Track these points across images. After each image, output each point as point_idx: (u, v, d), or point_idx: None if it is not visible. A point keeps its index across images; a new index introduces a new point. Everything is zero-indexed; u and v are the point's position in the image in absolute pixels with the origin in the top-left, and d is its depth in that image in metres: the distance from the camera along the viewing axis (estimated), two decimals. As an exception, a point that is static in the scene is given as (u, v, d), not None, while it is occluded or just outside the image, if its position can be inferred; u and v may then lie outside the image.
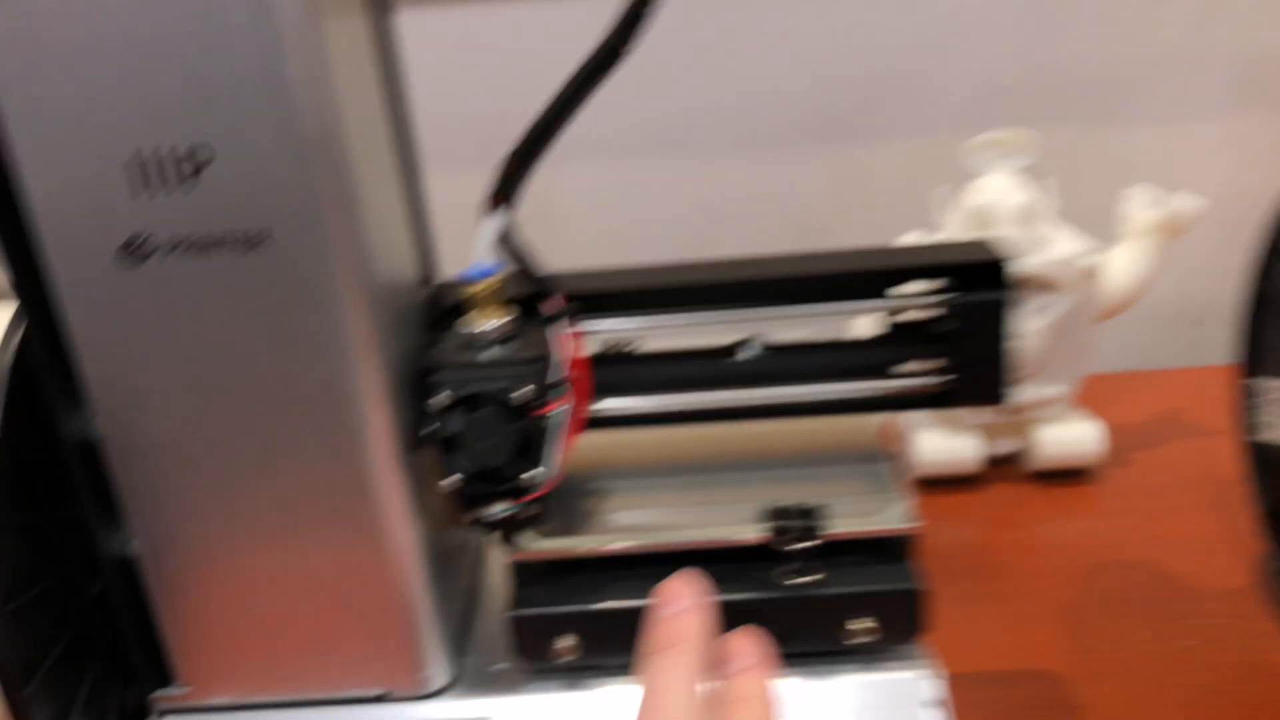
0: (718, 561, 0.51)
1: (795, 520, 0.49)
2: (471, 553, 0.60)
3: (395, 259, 0.48)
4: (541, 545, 0.51)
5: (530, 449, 0.46)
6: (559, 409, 0.47)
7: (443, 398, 0.46)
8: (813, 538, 0.49)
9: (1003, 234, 0.74)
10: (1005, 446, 0.83)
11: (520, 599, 0.51)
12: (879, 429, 0.58)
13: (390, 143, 0.50)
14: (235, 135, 0.40)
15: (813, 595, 0.49)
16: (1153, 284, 0.78)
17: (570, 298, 0.50)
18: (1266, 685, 0.61)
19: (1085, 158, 0.97)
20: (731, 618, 0.49)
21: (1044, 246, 0.74)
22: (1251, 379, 0.66)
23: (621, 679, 0.51)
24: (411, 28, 0.53)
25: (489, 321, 0.48)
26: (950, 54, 0.96)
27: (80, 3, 0.39)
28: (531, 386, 0.46)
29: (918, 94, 0.97)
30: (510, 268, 0.48)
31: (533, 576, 0.52)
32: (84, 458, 0.46)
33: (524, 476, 0.46)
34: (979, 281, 0.51)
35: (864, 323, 0.78)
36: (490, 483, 0.47)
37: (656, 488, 0.55)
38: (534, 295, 0.49)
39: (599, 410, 0.54)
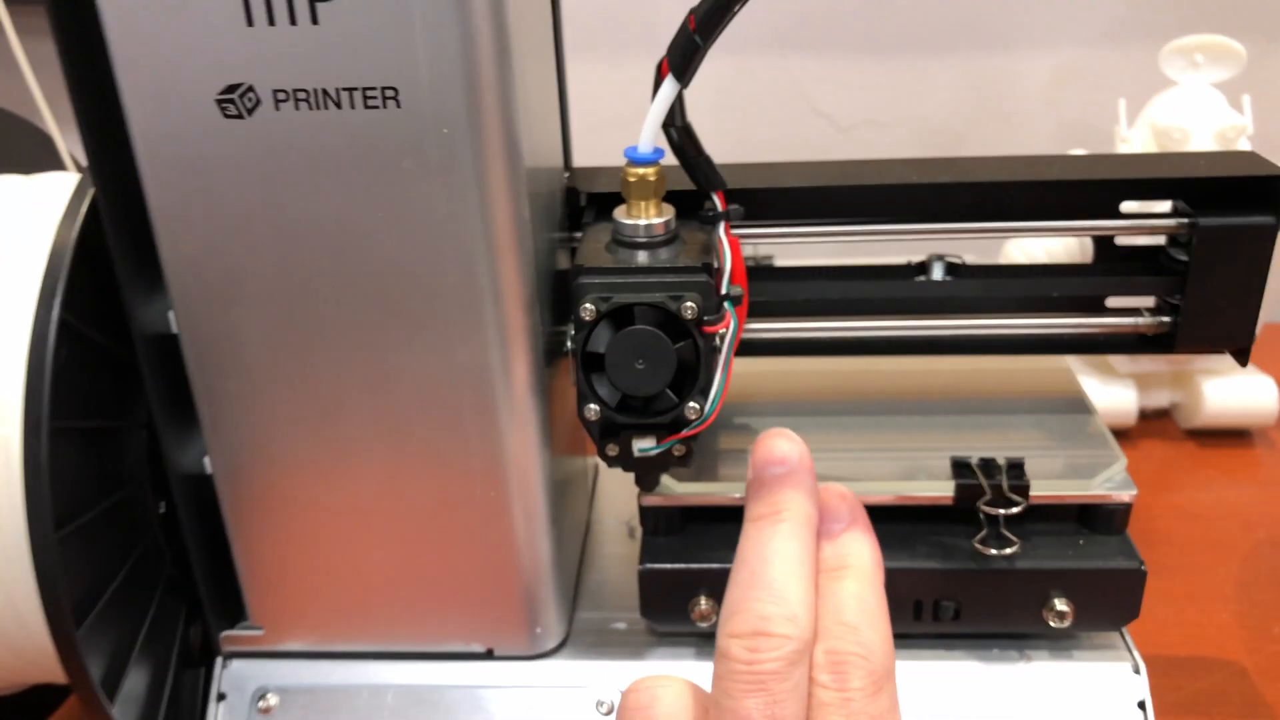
0: (887, 520, 0.43)
1: (997, 478, 0.41)
2: (588, 483, 0.52)
3: (544, 137, 0.40)
4: (681, 490, 0.43)
5: (688, 376, 0.38)
6: (726, 329, 0.39)
7: (589, 308, 0.37)
8: (1021, 500, 0.41)
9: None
10: (1158, 399, 0.74)
11: (651, 551, 0.43)
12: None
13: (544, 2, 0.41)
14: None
15: (1015, 569, 0.41)
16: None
17: (730, 196, 0.41)
18: None
19: (1267, 80, 0.87)
20: (907, 588, 0.42)
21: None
22: None
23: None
24: None
25: (644, 217, 0.40)
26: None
27: None
28: (697, 300, 0.37)
29: (1066, 1, 0.87)
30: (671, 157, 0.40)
31: (668, 525, 0.44)
32: (157, 354, 0.39)
33: (683, 408, 0.38)
34: (1235, 202, 0.42)
35: (1015, 250, 0.69)
36: (638, 413, 0.39)
37: (813, 428, 0.47)
38: (690, 193, 0.41)
39: (748, 333, 0.46)
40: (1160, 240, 0.45)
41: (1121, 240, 0.46)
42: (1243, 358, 0.45)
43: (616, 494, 0.53)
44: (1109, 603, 0.42)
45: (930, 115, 0.91)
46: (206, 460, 0.41)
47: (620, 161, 0.39)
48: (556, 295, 0.42)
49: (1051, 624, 0.42)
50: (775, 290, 0.47)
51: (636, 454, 0.39)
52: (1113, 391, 0.72)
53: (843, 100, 0.92)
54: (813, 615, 0.33)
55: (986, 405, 0.47)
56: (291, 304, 0.37)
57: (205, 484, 0.41)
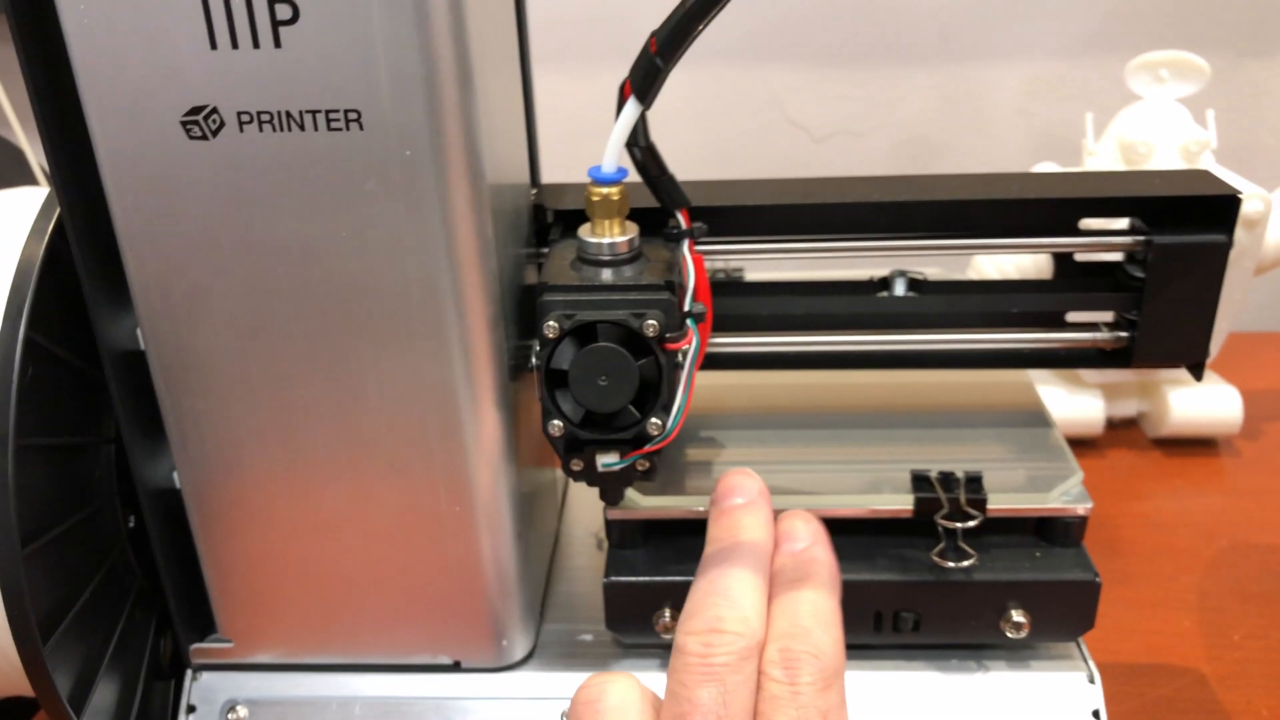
0: (849, 533, 0.43)
1: (955, 491, 0.42)
2: (557, 497, 0.53)
3: (507, 155, 0.40)
4: (646, 503, 0.44)
5: (651, 392, 0.39)
6: (688, 346, 0.39)
7: (552, 325, 0.38)
8: (977, 514, 0.41)
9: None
10: (1125, 409, 0.75)
11: (616, 564, 0.44)
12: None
13: (509, 17, 0.41)
14: (326, -14, 0.32)
15: (972, 581, 0.42)
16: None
17: (694, 214, 0.42)
18: None
19: (1236, 92, 0.88)
20: (868, 600, 0.42)
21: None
22: None
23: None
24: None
25: (608, 235, 0.40)
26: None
27: None
28: (659, 317, 0.38)
29: (1041, 10, 0.88)
30: (637, 174, 0.40)
31: (633, 538, 0.44)
32: (124, 371, 0.39)
33: (645, 424, 0.38)
34: (1191, 220, 0.43)
35: (985, 264, 0.70)
36: (602, 429, 0.39)
37: (777, 441, 0.48)
38: (654, 210, 0.41)
39: (713, 347, 0.47)
40: (1118, 257, 0.46)
41: (1081, 256, 0.47)
42: (1198, 372, 0.45)
43: (586, 506, 0.54)
44: (1064, 614, 0.42)
45: (905, 125, 0.92)
46: (175, 475, 0.41)
47: (593, 172, 0.40)
48: (523, 310, 0.42)
49: (1009, 634, 0.42)
50: (741, 305, 0.47)
51: (600, 469, 0.40)
52: (1080, 401, 0.72)
53: (818, 110, 0.92)
54: (763, 621, 0.35)
55: (948, 419, 0.48)
56: (257, 321, 0.37)
57: (174, 498, 0.42)
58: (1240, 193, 0.42)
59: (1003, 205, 0.44)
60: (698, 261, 0.41)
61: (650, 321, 0.38)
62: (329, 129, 0.34)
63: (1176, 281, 0.43)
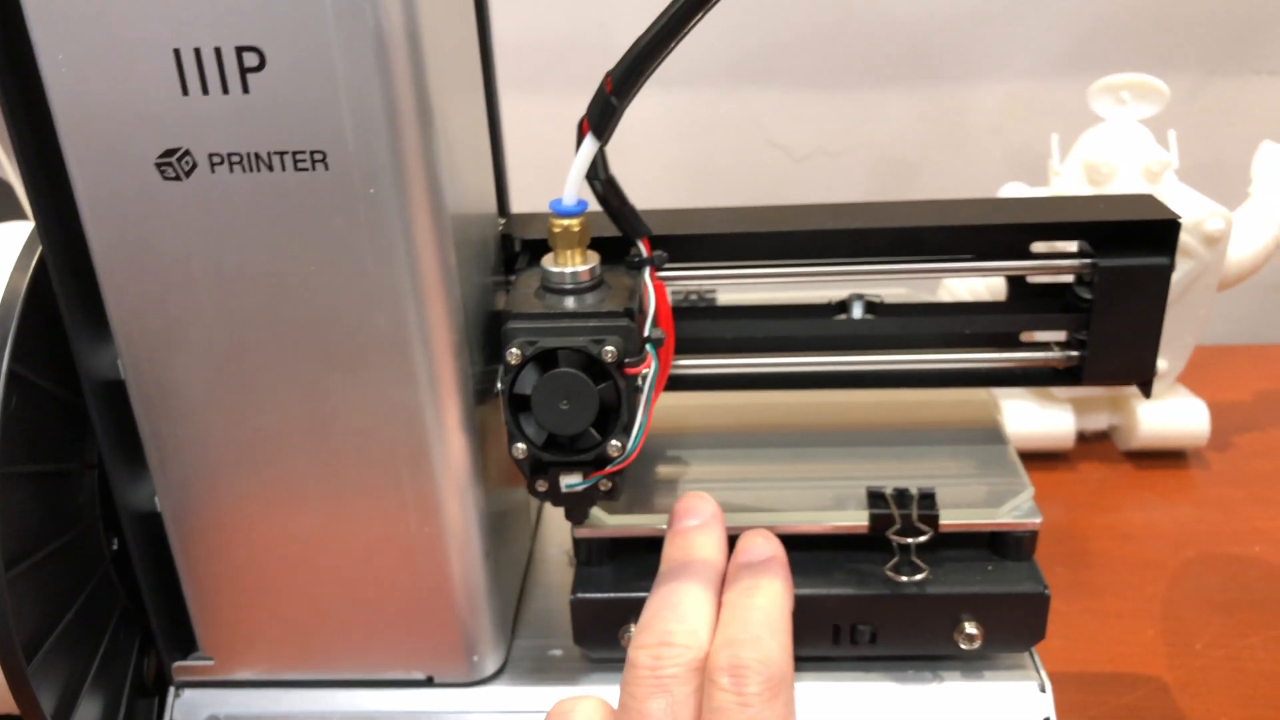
0: (808, 548, 0.45)
1: (908, 508, 0.43)
2: (530, 516, 0.54)
3: (471, 189, 0.42)
4: (611, 521, 0.45)
5: (611, 415, 0.40)
6: (647, 370, 0.41)
7: (515, 352, 0.40)
8: (929, 530, 0.43)
9: (1121, 191, 0.67)
10: (1096, 422, 0.76)
11: (583, 581, 0.45)
12: (993, 402, 0.52)
13: (471, 51, 0.43)
14: (290, 38, 0.34)
15: (925, 595, 0.43)
16: (1276, 253, 0.71)
17: (655, 242, 0.43)
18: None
19: (1204, 110, 0.89)
20: (826, 613, 0.44)
21: (1162, 207, 0.67)
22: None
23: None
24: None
25: (569, 265, 0.42)
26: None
27: None
28: (618, 343, 0.39)
29: (1016, 31, 0.89)
30: (597, 205, 0.42)
31: (599, 555, 0.46)
32: (105, 399, 0.41)
33: (606, 446, 0.40)
34: (1136, 243, 0.44)
35: (958, 285, 0.71)
36: (564, 451, 0.41)
37: (738, 460, 0.49)
38: (618, 238, 0.43)
39: (678, 369, 0.48)
40: (1069, 279, 0.47)
41: (1033, 279, 0.48)
42: (1146, 389, 0.47)
43: (560, 524, 0.55)
44: (1016, 625, 0.44)
45: (882, 145, 0.94)
46: (156, 499, 0.43)
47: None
48: (491, 336, 0.44)
49: (962, 646, 0.44)
50: (704, 328, 0.49)
51: (564, 489, 0.41)
52: (1050, 416, 0.74)
53: (797, 131, 0.94)
54: (712, 634, 0.36)
55: (905, 437, 0.49)
56: (232, 352, 0.39)
57: (155, 521, 0.43)
58: (1179, 217, 0.44)
59: (955, 231, 0.46)
60: (659, 288, 0.42)
61: (609, 348, 0.39)
62: (296, 169, 0.36)
63: (1122, 302, 0.45)
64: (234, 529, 0.42)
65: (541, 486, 0.42)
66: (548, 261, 0.42)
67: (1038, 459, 0.75)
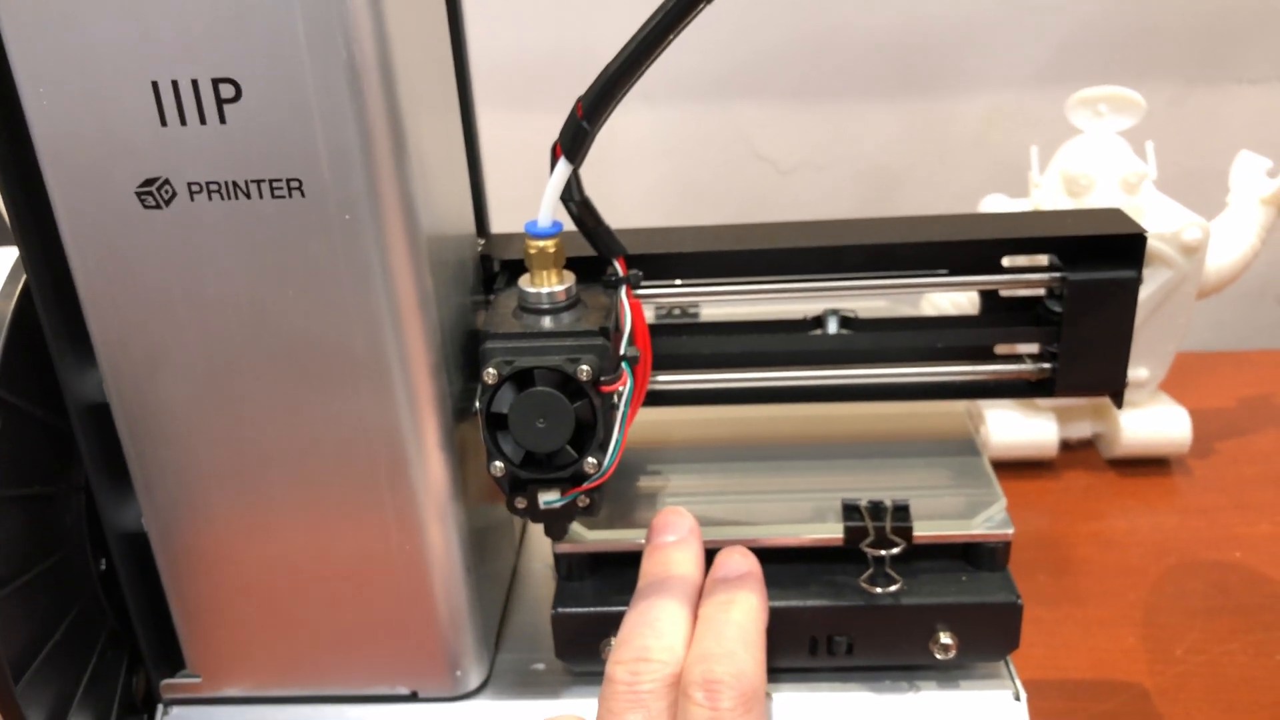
0: (786, 560, 0.46)
1: (882, 520, 0.44)
2: (514, 532, 0.55)
3: (447, 212, 0.43)
4: (591, 537, 0.46)
5: (587, 432, 0.41)
6: (623, 388, 0.42)
7: (491, 372, 0.40)
8: (902, 541, 0.44)
9: (1100, 202, 0.68)
10: (1080, 430, 0.77)
11: (564, 595, 0.46)
12: (968, 415, 0.52)
13: (446, 74, 0.44)
14: (265, 69, 0.35)
15: (900, 605, 0.44)
16: (1254, 261, 0.72)
17: (631, 261, 0.44)
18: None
19: (1185, 119, 0.90)
20: (803, 625, 0.44)
21: (1140, 217, 0.68)
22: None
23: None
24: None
25: (545, 285, 0.42)
26: (1034, 2, 0.89)
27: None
28: (592, 362, 0.40)
29: (998, 43, 0.90)
30: (573, 226, 0.43)
31: (579, 570, 0.47)
32: (91, 423, 0.42)
33: (582, 463, 0.41)
34: (1105, 257, 0.45)
35: (939, 299, 0.72)
36: (541, 468, 0.41)
37: (717, 473, 0.50)
38: (596, 258, 0.44)
39: (656, 385, 0.49)
40: (1040, 292, 0.48)
41: (1005, 293, 0.49)
42: (1118, 399, 0.48)
43: (544, 539, 0.56)
44: (990, 635, 0.44)
45: (867, 157, 0.95)
46: (142, 519, 0.43)
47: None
48: (470, 355, 0.44)
49: (938, 655, 0.44)
50: (682, 344, 0.50)
51: (542, 506, 0.42)
52: (1034, 424, 0.75)
53: (783, 144, 0.95)
54: (688, 649, 0.37)
55: (881, 449, 0.50)
56: (214, 375, 0.40)
57: (142, 542, 0.44)
58: (1145, 231, 0.44)
59: (928, 247, 0.47)
60: (635, 307, 0.43)
61: (584, 366, 0.40)
62: (273, 196, 0.37)
63: (1091, 315, 0.46)
64: (219, 548, 0.43)
65: (520, 503, 0.42)
66: (524, 282, 0.43)
67: (1022, 467, 0.76)
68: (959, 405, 0.53)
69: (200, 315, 0.39)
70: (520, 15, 0.89)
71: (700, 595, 0.41)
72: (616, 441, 0.41)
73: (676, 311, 0.54)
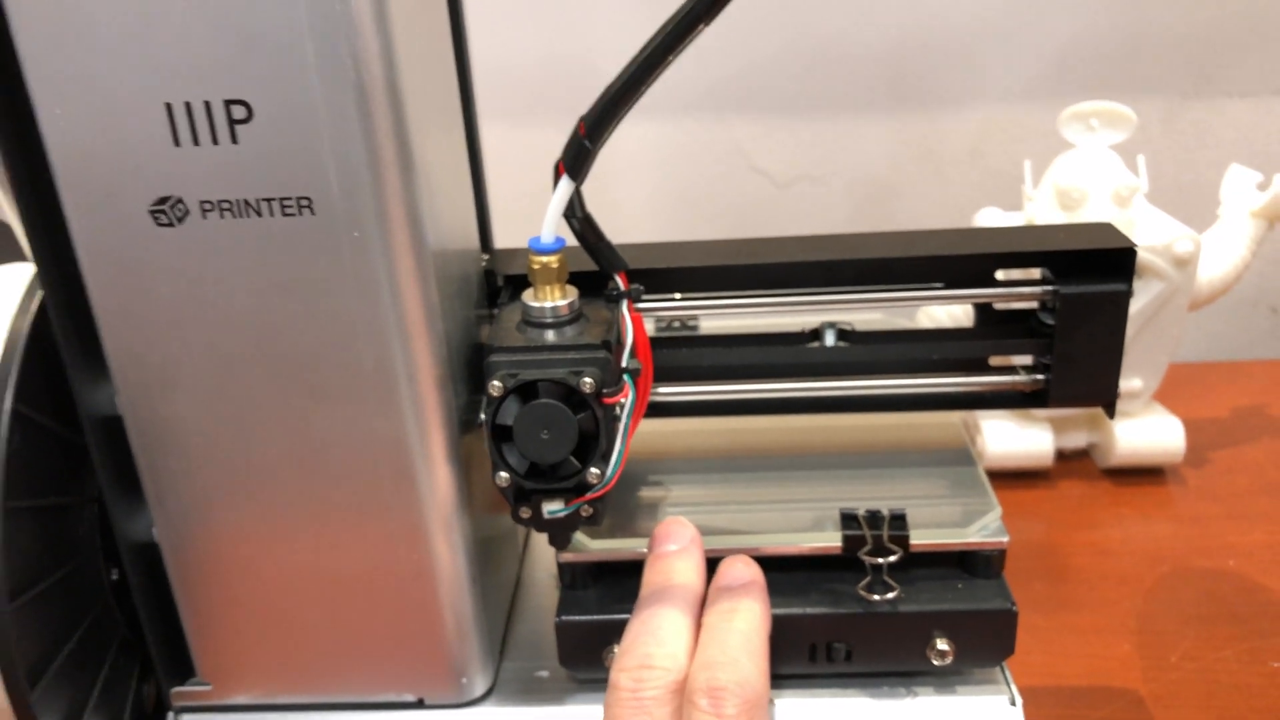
0: (785, 569, 0.47)
1: (880, 529, 0.45)
2: (518, 541, 0.56)
3: (453, 228, 0.44)
4: (594, 546, 0.47)
5: (590, 443, 0.42)
6: (625, 400, 0.42)
7: (496, 385, 0.41)
8: (899, 550, 0.44)
9: (1092, 215, 0.69)
10: (1075, 440, 0.78)
11: (568, 604, 0.47)
12: (962, 425, 0.53)
13: (451, 92, 0.45)
14: (277, 91, 0.36)
15: (898, 612, 0.45)
16: (1245, 273, 0.73)
17: (632, 276, 0.45)
18: (1365, 715, 0.57)
19: (1177, 133, 0.91)
20: (803, 632, 0.45)
21: (1132, 230, 0.69)
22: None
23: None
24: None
25: (549, 299, 0.43)
26: (1029, 14, 0.90)
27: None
28: (595, 375, 0.41)
29: (992, 58, 0.91)
30: (575, 242, 0.44)
31: (583, 579, 0.47)
32: (104, 435, 0.42)
33: (586, 473, 0.42)
34: (1096, 270, 0.46)
35: (935, 311, 0.73)
36: (545, 479, 0.42)
37: (717, 484, 0.51)
38: (597, 273, 0.45)
39: (657, 397, 0.50)
40: (1033, 305, 0.49)
41: (999, 305, 0.50)
42: (1110, 410, 0.49)
43: (548, 549, 0.56)
44: (986, 641, 0.45)
45: (863, 170, 0.96)
46: (154, 530, 0.44)
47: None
48: (475, 368, 0.45)
49: (935, 662, 0.45)
50: (682, 357, 0.51)
51: (546, 516, 0.43)
52: (1030, 435, 0.76)
53: (780, 158, 0.96)
54: (690, 656, 0.38)
55: (878, 460, 0.51)
56: (224, 389, 0.41)
57: (154, 552, 0.45)
58: (1135, 245, 0.45)
59: (923, 260, 0.48)
60: (636, 320, 0.44)
61: (587, 379, 0.41)
62: (283, 214, 0.37)
63: (1083, 327, 0.47)
64: (229, 558, 0.44)
65: (525, 513, 0.43)
66: (528, 296, 0.44)
67: (1018, 477, 0.77)
68: (954, 416, 0.54)
69: (211, 330, 0.40)
70: (517, 29, 0.90)
71: (702, 604, 0.42)
72: (619, 452, 0.42)
73: (676, 324, 0.55)
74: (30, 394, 0.41)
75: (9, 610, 0.39)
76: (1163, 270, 0.69)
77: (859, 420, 0.53)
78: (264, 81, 0.36)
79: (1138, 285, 0.69)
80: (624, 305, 0.44)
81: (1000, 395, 0.50)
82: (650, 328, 0.53)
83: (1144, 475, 0.77)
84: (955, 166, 0.95)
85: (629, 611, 0.46)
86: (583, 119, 0.40)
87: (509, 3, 0.89)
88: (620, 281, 0.44)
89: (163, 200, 0.38)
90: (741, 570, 0.44)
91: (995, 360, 0.51)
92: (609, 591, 0.47)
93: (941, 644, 0.45)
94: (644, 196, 0.97)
